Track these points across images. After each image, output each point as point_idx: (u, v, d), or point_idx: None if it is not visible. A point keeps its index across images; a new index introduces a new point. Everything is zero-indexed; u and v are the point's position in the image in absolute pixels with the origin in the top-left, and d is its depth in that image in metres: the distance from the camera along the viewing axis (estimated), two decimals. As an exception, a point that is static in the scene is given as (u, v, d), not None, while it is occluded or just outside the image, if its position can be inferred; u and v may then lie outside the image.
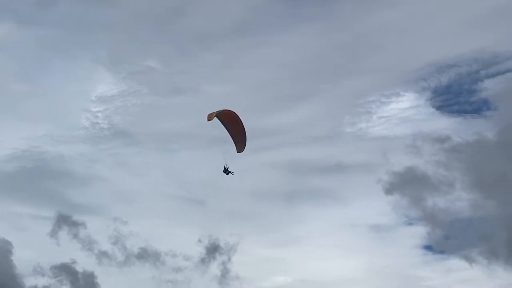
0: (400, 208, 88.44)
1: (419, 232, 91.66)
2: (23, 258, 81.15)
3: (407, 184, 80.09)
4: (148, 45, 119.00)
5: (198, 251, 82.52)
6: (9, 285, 76.84)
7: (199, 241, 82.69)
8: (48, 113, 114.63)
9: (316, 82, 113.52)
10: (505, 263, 72.76)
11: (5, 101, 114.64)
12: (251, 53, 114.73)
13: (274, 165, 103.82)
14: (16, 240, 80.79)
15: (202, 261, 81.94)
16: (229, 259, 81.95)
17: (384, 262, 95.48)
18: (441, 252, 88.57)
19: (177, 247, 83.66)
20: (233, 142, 50.14)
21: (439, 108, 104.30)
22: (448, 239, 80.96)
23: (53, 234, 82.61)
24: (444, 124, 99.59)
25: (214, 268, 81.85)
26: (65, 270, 79.66)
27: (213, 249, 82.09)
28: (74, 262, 79.94)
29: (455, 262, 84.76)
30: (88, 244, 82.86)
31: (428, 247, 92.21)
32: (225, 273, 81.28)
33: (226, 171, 52.32)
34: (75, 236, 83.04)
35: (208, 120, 46.69)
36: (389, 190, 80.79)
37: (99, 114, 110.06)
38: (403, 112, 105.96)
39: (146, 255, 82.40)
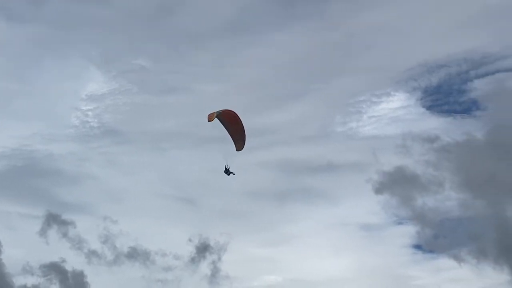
0: (390, 207, 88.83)
1: (408, 232, 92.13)
2: (12, 257, 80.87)
3: (397, 184, 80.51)
4: (139, 43, 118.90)
5: (188, 250, 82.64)
6: (-2, 284, 76.70)
7: (189, 240, 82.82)
8: (38, 112, 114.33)
9: (307, 81, 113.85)
10: (494, 262, 73.26)
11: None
12: (242, 53, 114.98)
13: (265, 165, 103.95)
14: (5, 239, 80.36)
15: (192, 260, 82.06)
16: (219, 259, 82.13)
17: (374, 261, 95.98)
18: (431, 251, 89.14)
19: (167, 246, 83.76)
20: (232, 141, 50.36)
21: (429, 108, 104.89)
22: (438, 238, 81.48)
23: (43, 233, 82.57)
24: (434, 124, 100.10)
25: (204, 267, 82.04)
26: (55, 269, 79.50)
27: (203, 249, 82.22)
28: (63, 261, 79.91)
29: (444, 262, 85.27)
30: (78, 243, 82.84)
31: (417, 247, 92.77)
32: (215, 273, 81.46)
33: (227, 171, 52.41)
34: (65, 235, 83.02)
35: (209, 121, 46.78)
36: (379, 190, 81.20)
37: (90, 113, 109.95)
38: (394, 112, 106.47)
39: (136, 254, 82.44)
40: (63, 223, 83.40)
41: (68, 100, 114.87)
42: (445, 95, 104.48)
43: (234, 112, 49.37)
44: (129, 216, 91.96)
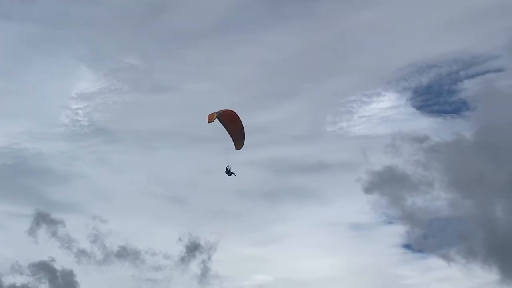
0: (380, 207, 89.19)
1: (398, 231, 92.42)
2: (1, 256, 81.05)
3: (387, 183, 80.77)
4: (129, 42, 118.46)
5: (178, 249, 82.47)
6: (-13, 283, 76.31)
7: (179, 239, 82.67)
8: (28, 110, 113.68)
9: (297, 81, 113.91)
10: (483, 262, 73.64)
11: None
12: (232, 52, 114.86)
13: (255, 164, 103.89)
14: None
15: (182, 259, 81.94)
16: (209, 258, 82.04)
17: (364, 261, 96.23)
18: (420, 251, 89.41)
19: (157, 245, 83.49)
20: (231, 141, 50.54)
21: (420, 108, 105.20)
22: (427, 238, 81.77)
23: (32, 232, 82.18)
24: (424, 124, 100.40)
25: (194, 266, 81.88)
26: (44, 268, 79.22)
27: (193, 248, 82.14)
28: (52, 260, 79.57)
29: (434, 261, 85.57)
30: (67, 243, 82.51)
31: (407, 246, 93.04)
32: (205, 272, 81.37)
33: (229, 172, 52.44)
34: (54, 234, 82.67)
35: (209, 122, 46.88)
36: (368, 189, 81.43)
37: (79, 111, 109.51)
38: (384, 112, 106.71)
39: (125, 254, 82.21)
40: (52, 222, 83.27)
41: (58, 98, 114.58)
42: (435, 95, 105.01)
43: (234, 112, 49.51)
44: (118, 215, 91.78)
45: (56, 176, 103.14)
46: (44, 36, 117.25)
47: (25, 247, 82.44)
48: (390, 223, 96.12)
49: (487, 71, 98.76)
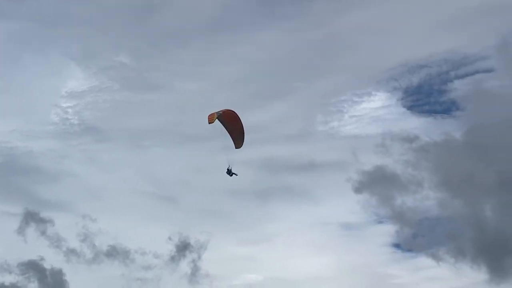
0: (370, 206, 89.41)
1: (388, 231, 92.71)
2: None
3: (377, 183, 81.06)
4: (120, 40, 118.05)
5: (168, 249, 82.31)
6: (-24, 282, 75.99)
7: (169, 239, 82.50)
8: (18, 108, 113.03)
9: (289, 80, 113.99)
10: (472, 261, 74.06)
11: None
12: (224, 51, 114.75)
13: (246, 163, 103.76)
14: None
15: (172, 259, 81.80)
16: (200, 257, 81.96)
17: (354, 260, 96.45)
18: (409, 250, 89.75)
19: (147, 245, 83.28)
20: (231, 140, 50.79)
21: (410, 108, 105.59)
22: (416, 237, 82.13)
23: (21, 230, 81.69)
24: (414, 123, 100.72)
25: (184, 266, 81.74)
26: (33, 267, 78.82)
27: (183, 247, 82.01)
28: (42, 259, 79.19)
29: (423, 261, 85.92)
30: (56, 242, 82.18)
31: (397, 245, 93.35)
32: (195, 271, 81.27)
33: (230, 172, 52.52)
34: (43, 233, 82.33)
35: (210, 123, 46.89)
36: (358, 189, 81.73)
37: (69, 110, 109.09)
38: (375, 112, 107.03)
39: (115, 253, 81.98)
40: (42, 221, 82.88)
41: (48, 97, 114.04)
42: (426, 95, 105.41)
43: (234, 111, 49.71)
44: (108, 214, 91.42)
45: (46, 174, 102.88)
46: (34, 34, 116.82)
47: (14, 246, 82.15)
48: (380, 222, 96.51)
49: (477, 72, 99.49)
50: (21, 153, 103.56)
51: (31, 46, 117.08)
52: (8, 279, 77.47)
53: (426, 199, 79.54)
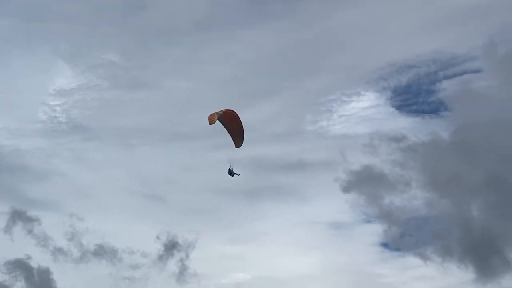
0: (358, 206, 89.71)
1: (376, 230, 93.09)
2: (-24, 254, 79.63)
3: (365, 183, 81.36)
4: (109, 38, 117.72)
5: (156, 248, 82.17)
6: (-38, 282, 75.50)
7: (157, 237, 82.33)
8: (5, 106, 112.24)
9: (278, 79, 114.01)
10: (459, 261, 74.56)
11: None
12: (213, 49, 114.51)
13: (235, 161, 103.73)
14: (-31, 236, 79.39)
15: (160, 258, 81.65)
16: (188, 256, 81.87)
17: (342, 259, 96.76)
18: (397, 249, 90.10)
19: (135, 244, 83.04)
20: (231, 140, 51.10)
21: (399, 107, 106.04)
22: (404, 237, 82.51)
23: (7, 229, 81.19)
24: (402, 123, 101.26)
25: (172, 265, 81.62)
26: (20, 266, 78.40)
27: (171, 246, 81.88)
28: (29, 258, 78.73)
29: (411, 260, 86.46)
30: (43, 240, 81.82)
31: (384, 245, 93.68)
32: (183, 270, 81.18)
33: (231, 172, 52.54)
34: (30, 232, 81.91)
35: (210, 124, 46.95)
36: (346, 188, 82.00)
37: (57, 108, 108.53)
38: (363, 111, 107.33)
39: (102, 252, 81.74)
40: (29, 219, 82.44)
41: (36, 94, 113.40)
42: (414, 95, 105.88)
43: (234, 111, 49.81)
44: (96, 213, 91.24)
45: (33, 173, 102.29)
46: (22, 31, 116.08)
47: (1, 244, 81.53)
48: (368, 222, 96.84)
49: (465, 72, 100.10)
50: (8, 152, 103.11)
51: (19, 43, 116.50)
52: (-6, 278, 77.24)
53: (414, 198, 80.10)
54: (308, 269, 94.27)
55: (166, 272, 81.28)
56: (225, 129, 50.06)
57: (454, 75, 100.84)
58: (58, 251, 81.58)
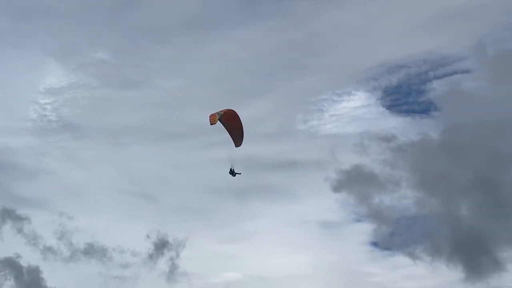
0: (348, 205, 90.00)
1: (366, 229, 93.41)
2: (-35, 252, 79.27)
3: (355, 182, 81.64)
4: (99, 36, 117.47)
5: (146, 246, 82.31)
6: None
7: (148, 236, 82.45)
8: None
9: (269, 79, 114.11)
10: (448, 260, 74.99)
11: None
12: (204, 48, 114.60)
13: (226, 161, 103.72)
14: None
15: (150, 257, 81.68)
16: (178, 255, 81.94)
17: (332, 258, 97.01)
18: (387, 248, 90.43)
19: (125, 242, 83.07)
20: (231, 138, 51.48)
21: (389, 107, 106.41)
22: (394, 236, 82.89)
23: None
24: (393, 123, 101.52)
25: (163, 264, 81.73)
26: (9, 264, 78.36)
27: (161, 245, 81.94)
28: (18, 256, 78.73)
29: (400, 259, 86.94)
30: (33, 239, 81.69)
31: (374, 244, 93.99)
32: (173, 269, 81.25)
33: (233, 172, 52.62)
34: (20, 230, 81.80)
35: (211, 124, 47.11)
36: (337, 188, 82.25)
37: (48, 106, 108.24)
38: (354, 111, 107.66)
39: (92, 251, 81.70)
40: (18, 218, 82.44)
41: (26, 93, 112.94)
42: (405, 95, 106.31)
43: (234, 111, 50.11)
44: (86, 212, 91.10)
45: (23, 171, 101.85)
46: (12, 29, 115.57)
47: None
48: (358, 221, 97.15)
49: (455, 72, 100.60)
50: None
51: (9, 41, 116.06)
52: (-16, 276, 76.93)
53: (404, 198, 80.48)
54: (298, 268, 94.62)
55: (156, 271, 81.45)
56: (224, 128, 50.32)
57: (444, 75, 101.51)
58: (48, 250, 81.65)
